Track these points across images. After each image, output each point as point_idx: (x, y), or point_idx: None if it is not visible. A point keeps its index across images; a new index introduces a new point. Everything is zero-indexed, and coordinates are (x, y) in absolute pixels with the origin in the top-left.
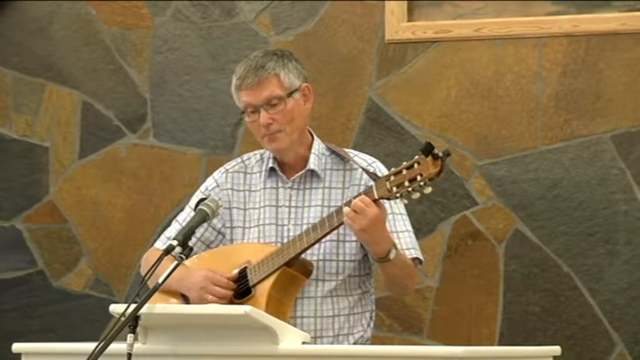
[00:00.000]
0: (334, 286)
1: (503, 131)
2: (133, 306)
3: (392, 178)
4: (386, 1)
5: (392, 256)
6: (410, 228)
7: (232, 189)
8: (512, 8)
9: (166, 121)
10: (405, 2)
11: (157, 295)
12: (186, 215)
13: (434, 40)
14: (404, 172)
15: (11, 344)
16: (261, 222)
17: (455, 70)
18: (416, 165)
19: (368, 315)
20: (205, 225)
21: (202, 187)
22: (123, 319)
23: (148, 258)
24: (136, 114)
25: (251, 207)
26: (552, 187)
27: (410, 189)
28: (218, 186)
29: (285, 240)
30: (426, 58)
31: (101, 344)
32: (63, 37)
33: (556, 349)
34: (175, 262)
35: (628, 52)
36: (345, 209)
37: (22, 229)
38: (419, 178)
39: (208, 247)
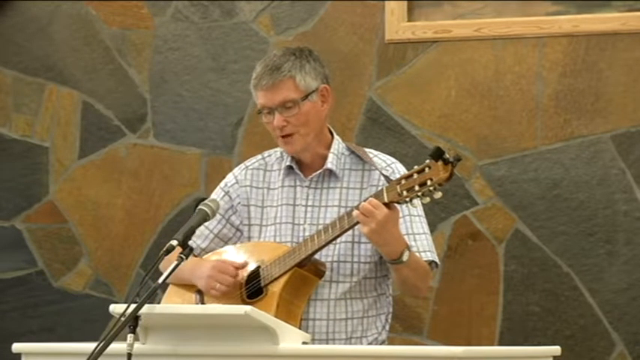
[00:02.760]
0: (348, 288)
1: (503, 131)
2: (133, 306)
3: (403, 181)
4: (386, 1)
5: (404, 258)
6: (427, 230)
7: (251, 186)
8: (512, 8)
9: (166, 121)
10: (405, 2)
11: (173, 289)
12: None
13: (434, 40)
14: (415, 176)
15: (11, 344)
16: (277, 220)
17: (455, 70)
18: (427, 169)
19: (383, 317)
20: (223, 222)
21: (222, 184)
22: (123, 319)
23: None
24: (136, 114)
25: (269, 205)
26: (552, 187)
27: (419, 193)
28: (237, 182)
29: (301, 239)
30: (426, 58)
31: (101, 344)
32: (63, 37)
33: (556, 349)
34: (175, 263)
35: (628, 52)
36: (355, 212)
37: (22, 229)
38: (429, 182)
39: (226, 243)
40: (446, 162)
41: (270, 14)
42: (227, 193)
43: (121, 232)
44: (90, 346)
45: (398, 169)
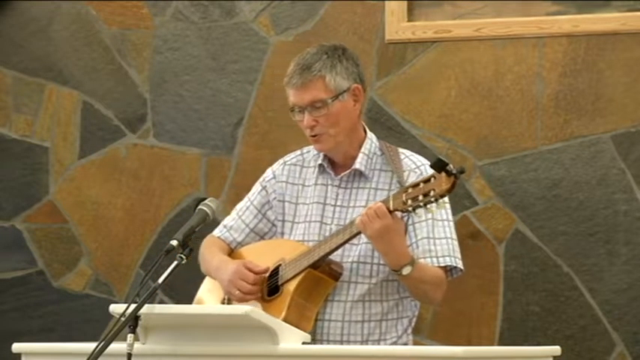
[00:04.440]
0: (367, 289)
1: (503, 131)
2: (133, 306)
3: (409, 190)
4: (386, 1)
5: (405, 272)
6: (451, 235)
7: (287, 182)
8: (512, 8)
9: (166, 121)
10: (405, 2)
11: (209, 280)
12: (243, 204)
13: (434, 40)
14: (421, 185)
15: (11, 344)
16: (307, 219)
17: (455, 70)
18: (432, 179)
19: (406, 321)
20: (259, 216)
21: (261, 178)
22: (123, 319)
23: (205, 244)
24: (136, 114)
25: (301, 202)
26: (552, 187)
27: (421, 203)
28: (274, 177)
29: None
30: (426, 58)
31: (101, 344)
32: (63, 37)
33: (556, 349)
34: (175, 262)
35: (628, 52)
36: (358, 218)
37: (22, 229)
38: (432, 193)
39: (262, 237)
40: (449, 174)
41: (270, 14)
42: (264, 187)
43: (121, 232)
44: (90, 346)
45: (427, 172)
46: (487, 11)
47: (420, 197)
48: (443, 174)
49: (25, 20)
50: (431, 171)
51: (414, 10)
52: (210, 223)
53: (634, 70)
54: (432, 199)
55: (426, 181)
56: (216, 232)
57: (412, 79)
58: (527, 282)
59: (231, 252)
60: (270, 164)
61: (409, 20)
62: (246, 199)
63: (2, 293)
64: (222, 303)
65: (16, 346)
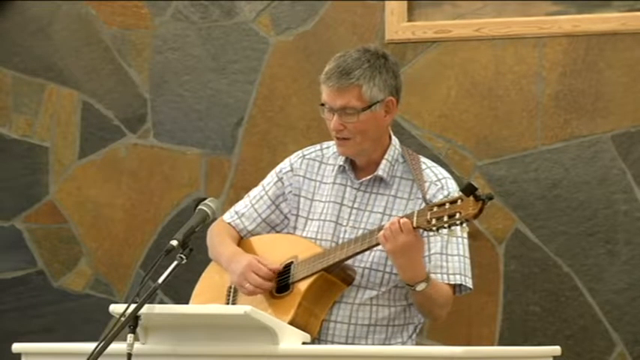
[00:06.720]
0: (375, 295)
1: (503, 131)
2: (133, 306)
3: (435, 209)
4: (386, 1)
5: (419, 288)
6: (464, 253)
7: (304, 176)
8: (512, 8)
9: (166, 121)
10: (405, 2)
11: (214, 267)
12: (257, 192)
13: (434, 40)
14: (447, 205)
15: (11, 344)
16: (322, 217)
17: (455, 70)
18: (459, 201)
19: (411, 327)
20: (273, 207)
21: (277, 168)
22: (123, 319)
23: (214, 229)
24: (136, 114)
25: (317, 199)
26: (552, 187)
27: (446, 224)
28: (292, 170)
29: (340, 240)
30: (426, 58)
31: (101, 344)
32: (63, 37)
33: (556, 349)
34: (175, 262)
35: (628, 52)
36: (380, 232)
37: (22, 229)
38: (458, 215)
39: (273, 229)
40: (477, 199)
41: (270, 14)
42: (280, 179)
43: (121, 232)
44: (90, 346)
45: (448, 185)
46: (487, 11)
47: (445, 218)
48: (471, 197)
49: (25, 20)
50: (452, 185)
51: (414, 10)
52: (209, 223)
53: (634, 70)
54: (457, 222)
55: (453, 202)
56: (227, 217)
57: (412, 79)
58: (527, 282)
59: (241, 240)
60: (270, 164)
61: (409, 20)
62: (260, 187)
63: (2, 293)
64: (228, 291)
65: (16, 346)
